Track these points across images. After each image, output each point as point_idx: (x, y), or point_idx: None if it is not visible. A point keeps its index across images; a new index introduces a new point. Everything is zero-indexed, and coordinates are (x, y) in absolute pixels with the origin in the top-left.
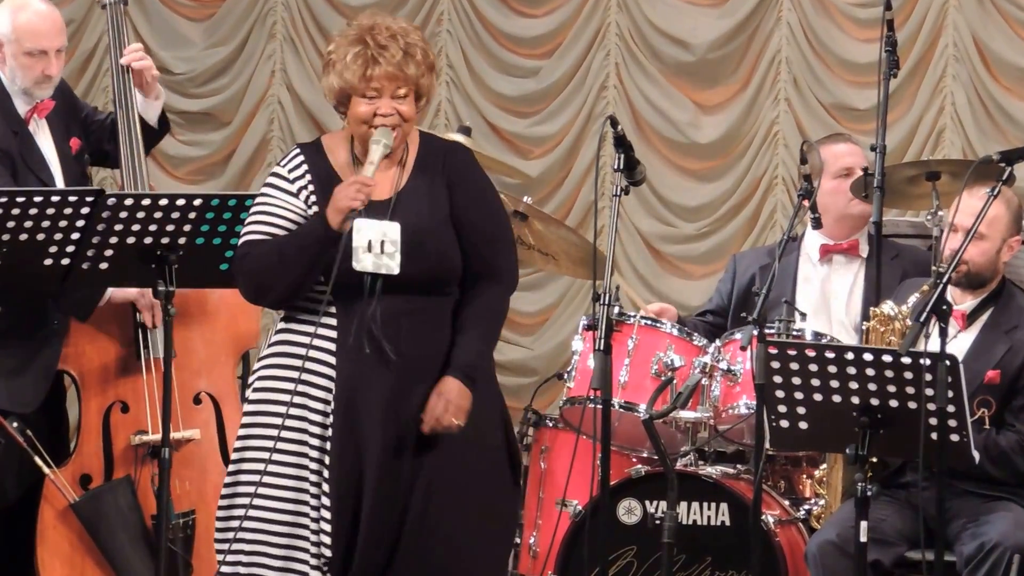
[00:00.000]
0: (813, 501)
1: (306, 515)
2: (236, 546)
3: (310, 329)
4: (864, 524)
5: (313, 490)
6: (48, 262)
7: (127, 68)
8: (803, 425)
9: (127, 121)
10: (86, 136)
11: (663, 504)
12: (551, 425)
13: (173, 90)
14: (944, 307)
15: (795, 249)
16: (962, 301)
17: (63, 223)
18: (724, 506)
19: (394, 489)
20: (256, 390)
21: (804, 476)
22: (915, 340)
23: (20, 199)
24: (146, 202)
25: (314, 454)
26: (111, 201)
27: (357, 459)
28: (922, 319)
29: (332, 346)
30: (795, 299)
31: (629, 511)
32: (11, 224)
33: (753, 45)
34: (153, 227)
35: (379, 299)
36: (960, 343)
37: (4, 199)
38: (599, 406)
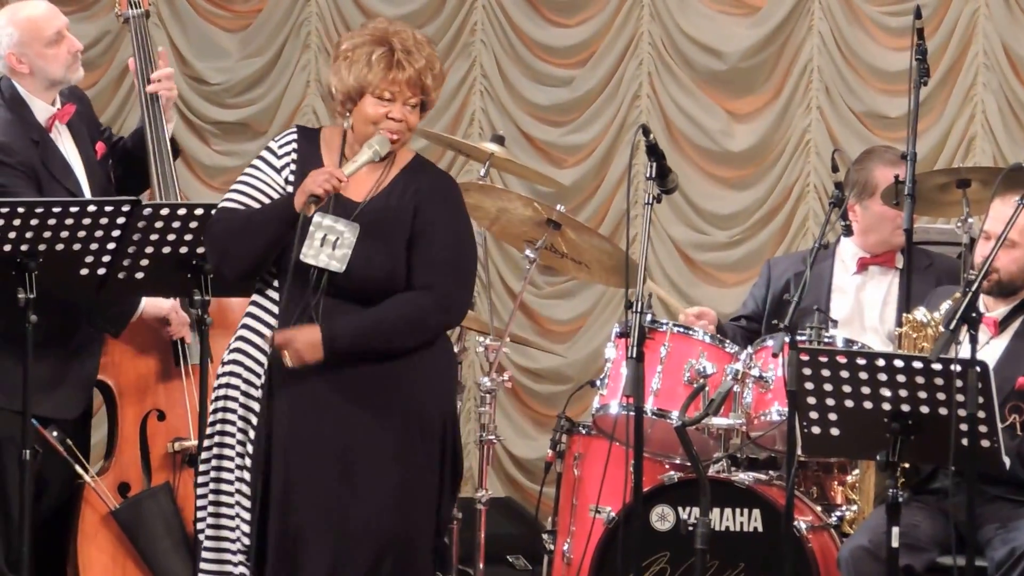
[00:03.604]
0: (845, 507)
1: (227, 503)
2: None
3: (256, 310)
4: (896, 530)
5: (237, 472)
6: (84, 271)
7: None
8: (835, 431)
9: (156, 130)
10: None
11: (696, 510)
12: (584, 432)
13: (209, 100)
14: (974, 315)
15: (828, 257)
16: (994, 308)
17: (99, 233)
18: (757, 512)
19: (314, 478)
20: (222, 365)
21: (836, 482)
22: (945, 347)
23: (56, 209)
24: (181, 212)
25: (240, 436)
26: (147, 211)
27: (276, 444)
28: (952, 327)
29: (269, 330)
30: (829, 307)
31: (662, 517)
32: (47, 234)
33: (785, 54)
34: (188, 236)
35: (322, 293)
36: (992, 350)
37: (40, 209)
38: (632, 413)
